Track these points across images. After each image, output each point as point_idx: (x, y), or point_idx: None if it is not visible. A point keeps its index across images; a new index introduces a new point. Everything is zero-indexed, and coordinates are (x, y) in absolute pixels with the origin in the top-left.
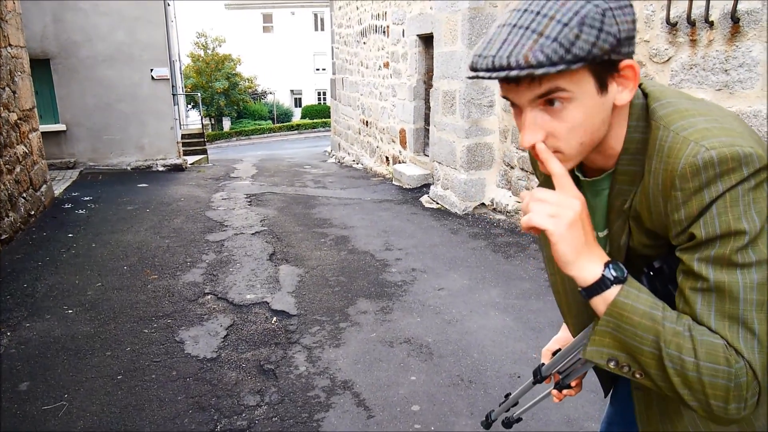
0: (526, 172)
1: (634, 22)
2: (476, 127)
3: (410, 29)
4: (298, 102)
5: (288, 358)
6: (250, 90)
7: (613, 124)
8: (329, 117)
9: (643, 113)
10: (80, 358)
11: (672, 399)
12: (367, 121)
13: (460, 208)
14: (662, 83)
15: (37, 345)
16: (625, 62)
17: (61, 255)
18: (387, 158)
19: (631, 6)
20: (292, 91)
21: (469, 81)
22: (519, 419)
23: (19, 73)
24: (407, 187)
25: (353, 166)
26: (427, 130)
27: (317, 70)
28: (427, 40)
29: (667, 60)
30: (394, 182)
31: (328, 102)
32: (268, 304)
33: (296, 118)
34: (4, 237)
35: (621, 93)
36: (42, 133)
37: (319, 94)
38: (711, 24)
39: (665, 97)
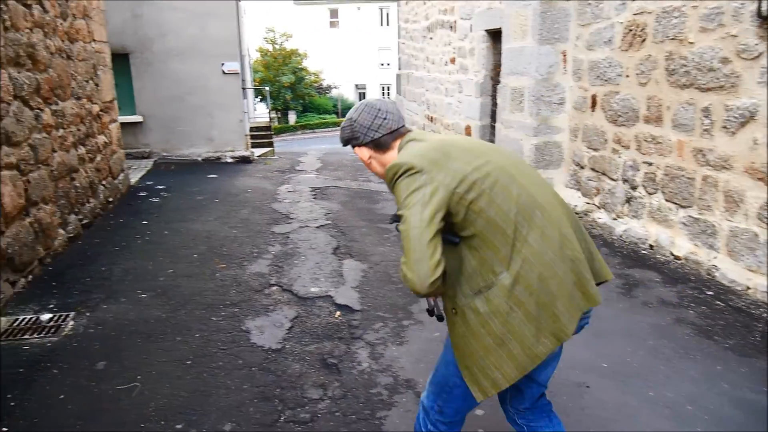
0: (597, 172)
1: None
2: (545, 125)
3: (478, 24)
4: (362, 96)
5: (351, 354)
6: (315, 84)
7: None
8: None
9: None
10: (152, 342)
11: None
12: (432, 117)
13: None
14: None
15: (113, 327)
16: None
17: (136, 241)
18: None
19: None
20: (356, 85)
21: (539, 77)
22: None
23: (102, 67)
24: None
25: None
26: (493, 127)
27: (382, 65)
28: (495, 36)
29: (757, 56)
30: None
31: (392, 97)
32: (332, 298)
33: None
34: (85, 222)
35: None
36: (121, 123)
37: (383, 88)
38: None
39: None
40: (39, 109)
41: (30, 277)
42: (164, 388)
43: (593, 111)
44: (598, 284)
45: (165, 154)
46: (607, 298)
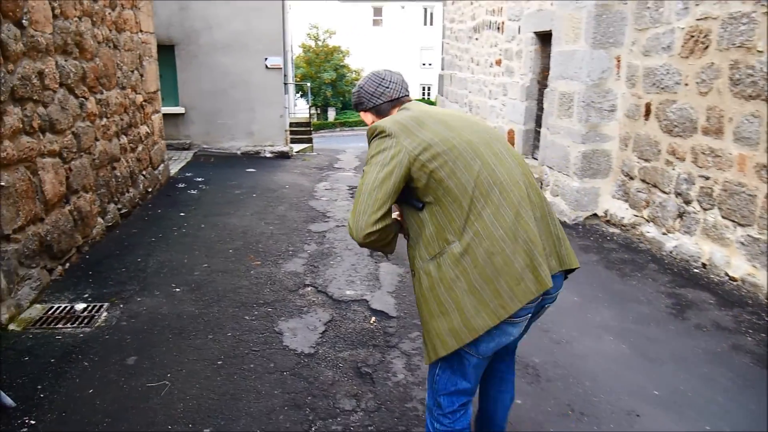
0: (648, 184)
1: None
2: (594, 132)
3: (527, 26)
4: None
5: (386, 363)
6: (356, 82)
7: None
8: None
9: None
10: (184, 338)
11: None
12: None
13: (570, 217)
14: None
15: (146, 320)
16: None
17: (173, 233)
18: None
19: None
20: None
21: (590, 82)
22: None
23: (147, 58)
24: None
25: None
26: (537, 132)
27: (423, 65)
28: (544, 38)
29: None
30: None
31: (432, 97)
32: (367, 302)
33: None
34: (123, 211)
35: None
36: (164, 114)
37: (423, 88)
38: None
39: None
40: (84, 97)
41: (67, 264)
42: (194, 389)
43: (647, 120)
44: (567, 272)
45: (205, 146)
46: (657, 318)
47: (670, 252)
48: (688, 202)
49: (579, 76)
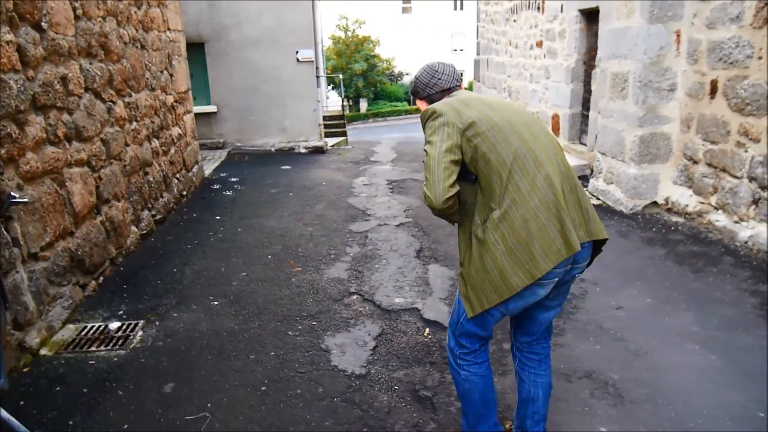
0: (715, 168)
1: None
2: (652, 114)
3: (570, 4)
4: None
5: (446, 385)
6: (387, 71)
7: None
8: None
9: None
10: (224, 359)
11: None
12: None
13: (627, 206)
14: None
15: (183, 339)
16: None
17: (209, 239)
18: None
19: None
20: None
21: (647, 60)
22: None
23: (177, 57)
24: None
25: None
26: (584, 116)
27: (454, 50)
28: (589, 16)
29: None
30: None
31: (465, 84)
32: (419, 311)
33: None
34: (158, 217)
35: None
36: (195, 114)
37: None
38: None
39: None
40: (111, 101)
41: (101, 278)
42: (236, 421)
43: (712, 98)
44: (597, 243)
45: (239, 144)
46: (746, 322)
47: (745, 242)
48: (763, 188)
49: (634, 55)
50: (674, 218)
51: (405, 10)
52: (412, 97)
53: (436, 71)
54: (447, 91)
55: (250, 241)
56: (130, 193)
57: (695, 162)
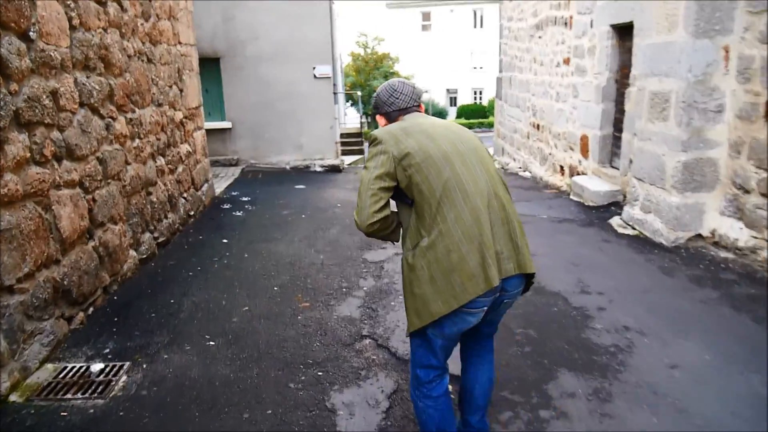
0: None
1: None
2: (697, 137)
3: (601, 19)
4: (453, 101)
5: None
6: None
7: None
8: (485, 117)
9: None
10: (213, 416)
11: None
12: (538, 125)
13: (668, 238)
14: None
15: (171, 388)
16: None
17: (213, 265)
18: (562, 168)
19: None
20: (447, 90)
21: (692, 79)
22: None
23: (188, 72)
24: (590, 204)
25: (519, 173)
26: (616, 138)
27: (474, 68)
28: (622, 31)
29: None
30: (572, 197)
31: (485, 101)
32: None
33: (450, 117)
34: (161, 240)
35: None
36: (209, 130)
37: (475, 93)
38: None
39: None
40: (111, 117)
41: (90, 309)
42: None
43: (767, 121)
44: (528, 276)
45: (253, 161)
46: None
47: None
48: None
49: (677, 72)
50: (723, 253)
51: (425, 28)
52: (374, 112)
53: (395, 90)
54: (404, 111)
55: (257, 269)
56: (129, 215)
57: (746, 191)
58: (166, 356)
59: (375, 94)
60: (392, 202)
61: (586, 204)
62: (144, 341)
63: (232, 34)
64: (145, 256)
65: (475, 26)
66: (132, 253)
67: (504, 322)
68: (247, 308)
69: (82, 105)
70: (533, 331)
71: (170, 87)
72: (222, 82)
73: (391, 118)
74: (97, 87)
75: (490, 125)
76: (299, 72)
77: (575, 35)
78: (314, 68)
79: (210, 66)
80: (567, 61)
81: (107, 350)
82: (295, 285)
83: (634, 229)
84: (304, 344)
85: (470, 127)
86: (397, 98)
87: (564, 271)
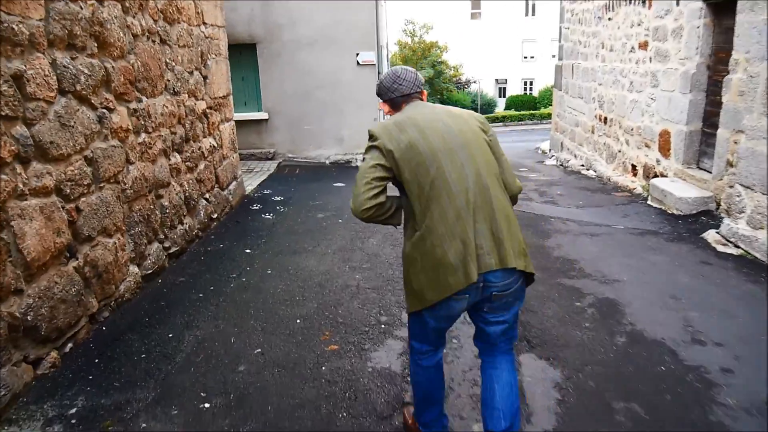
0: None
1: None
2: None
3: None
4: (502, 92)
5: None
6: (454, 79)
7: None
8: (535, 109)
9: None
10: None
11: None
12: (605, 118)
13: None
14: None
15: None
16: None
17: (229, 284)
18: (634, 167)
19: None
20: (497, 80)
21: None
22: None
23: (213, 56)
24: (675, 212)
25: (582, 172)
26: (706, 134)
27: (525, 58)
28: (718, 8)
29: None
30: (650, 202)
31: (536, 92)
32: None
33: (499, 108)
34: (173, 250)
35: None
36: (244, 121)
37: (525, 83)
38: None
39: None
40: (107, 108)
41: (69, 346)
42: None
43: None
44: (522, 272)
45: (290, 155)
46: None
47: None
48: None
49: None
50: None
51: (474, 16)
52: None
53: (398, 77)
54: (406, 97)
55: (279, 291)
56: (130, 224)
57: None
58: (144, 425)
59: (379, 81)
60: (394, 188)
61: (669, 212)
62: (123, 397)
63: (270, 19)
64: (150, 271)
65: (526, 14)
66: (133, 269)
67: (593, 386)
68: (260, 350)
69: (63, 92)
70: (638, 406)
71: (190, 73)
72: (258, 69)
73: (395, 105)
74: (86, 71)
75: (541, 117)
76: (341, 59)
77: (655, 15)
78: (357, 55)
79: (246, 52)
80: (644, 45)
81: (73, 410)
82: (323, 316)
83: (737, 247)
84: (326, 415)
85: (521, 119)
86: (401, 84)
87: (662, 308)
